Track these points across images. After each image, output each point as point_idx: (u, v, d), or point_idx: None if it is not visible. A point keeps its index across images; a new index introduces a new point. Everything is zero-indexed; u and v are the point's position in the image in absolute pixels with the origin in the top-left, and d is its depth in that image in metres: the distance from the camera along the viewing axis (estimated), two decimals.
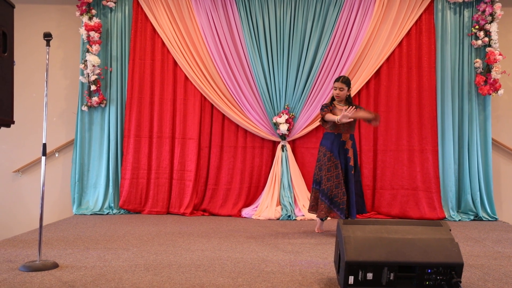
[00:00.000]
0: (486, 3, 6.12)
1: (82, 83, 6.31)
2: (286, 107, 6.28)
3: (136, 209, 6.27)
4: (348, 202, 4.68)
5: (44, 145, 3.57)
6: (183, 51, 6.32)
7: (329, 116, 4.66)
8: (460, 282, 2.73)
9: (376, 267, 2.71)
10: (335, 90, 4.77)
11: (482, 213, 6.08)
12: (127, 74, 6.35)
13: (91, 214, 6.12)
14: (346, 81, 4.78)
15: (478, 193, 6.11)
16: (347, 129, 4.75)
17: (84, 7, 6.25)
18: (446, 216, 6.05)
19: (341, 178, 4.67)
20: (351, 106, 4.57)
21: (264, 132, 6.30)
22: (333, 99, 4.87)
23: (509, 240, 4.74)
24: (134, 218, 5.86)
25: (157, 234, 4.83)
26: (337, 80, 4.80)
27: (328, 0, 6.24)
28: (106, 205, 6.25)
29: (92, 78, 6.18)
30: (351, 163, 4.73)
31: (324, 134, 4.86)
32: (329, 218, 5.46)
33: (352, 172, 4.73)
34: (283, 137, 6.28)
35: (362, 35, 6.18)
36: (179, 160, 6.31)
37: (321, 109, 4.80)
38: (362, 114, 4.62)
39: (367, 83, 6.28)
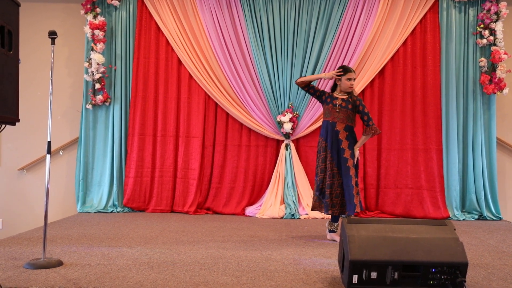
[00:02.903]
0: (491, 1, 6.10)
1: (87, 81, 6.32)
2: (290, 105, 6.27)
3: (140, 207, 6.28)
4: (342, 197, 4.37)
5: (49, 143, 3.58)
6: (187, 49, 6.32)
7: (306, 77, 4.48)
8: (465, 281, 2.72)
9: (380, 266, 2.71)
10: (349, 81, 4.39)
11: (486, 213, 6.07)
12: (132, 73, 6.36)
13: (95, 212, 6.14)
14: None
15: (483, 192, 6.09)
16: (342, 118, 4.37)
17: (88, 6, 6.27)
18: (450, 216, 6.04)
19: (330, 170, 4.39)
20: (357, 151, 4.43)
21: (268, 130, 6.30)
22: (333, 89, 4.56)
23: None
24: (138, 216, 5.88)
25: (161, 232, 4.84)
26: (350, 70, 4.43)
27: None
28: (110, 203, 6.27)
29: (97, 76, 6.20)
30: (345, 154, 4.36)
31: (322, 122, 4.56)
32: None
33: (347, 164, 4.35)
34: (287, 135, 6.28)
35: (366, 34, 6.17)
36: (183, 159, 6.32)
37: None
38: (360, 144, 4.47)
39: (372, 82, 6.27)
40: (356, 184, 4.36)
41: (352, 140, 4.43)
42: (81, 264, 3.46)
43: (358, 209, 4.30)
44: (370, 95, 6.30)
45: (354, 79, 4.46)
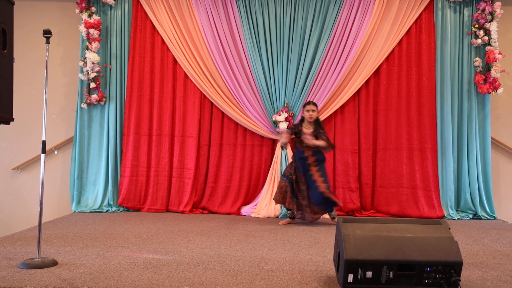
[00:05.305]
0: (486, 2, 6.12)
1: (82, 81, 6.30)
2: (285, 105, 6.28)
3: (135, 206, 6.27)
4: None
5: (44, 143, 3.56)
6: (182, 49, 6.31)
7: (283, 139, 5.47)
8: (459, 280, 2.73)
9: (375, 265, 2.71)
10: (308, 112, 5.32)
11: (481, 212, 6.09)
12: (127, 72, 6.34)
13: (90, 212, 6.12)
14: (315, 103, 5.44)
15: (477, 191, 6.11)
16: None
17: (83, 4, 6.25)
18: (445, 215, 6.06)
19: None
20: (312, 136, 5.26)
21: (263, 130, 6.30)
22: (302, 120, 5.44)
23: (507, 238, 4.75)
24: (133, 216, 5.86)
25: (156, 232, 4.83)
26: (308, 103, 5.38)
27: None
28: (105, 202, 6.25)
29: (92, 75, 6.18)
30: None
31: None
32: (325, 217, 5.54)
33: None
34: None
35: (362, 34, 6.18)
36: (179, 158, 6.31)
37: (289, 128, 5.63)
38: (318, 143, 5.22)
39: (367, 81, 6.28)
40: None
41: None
42: (76, 263, 3.45)
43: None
44: (365, 95, 6.31)
45: (313, 110, 5.32)
